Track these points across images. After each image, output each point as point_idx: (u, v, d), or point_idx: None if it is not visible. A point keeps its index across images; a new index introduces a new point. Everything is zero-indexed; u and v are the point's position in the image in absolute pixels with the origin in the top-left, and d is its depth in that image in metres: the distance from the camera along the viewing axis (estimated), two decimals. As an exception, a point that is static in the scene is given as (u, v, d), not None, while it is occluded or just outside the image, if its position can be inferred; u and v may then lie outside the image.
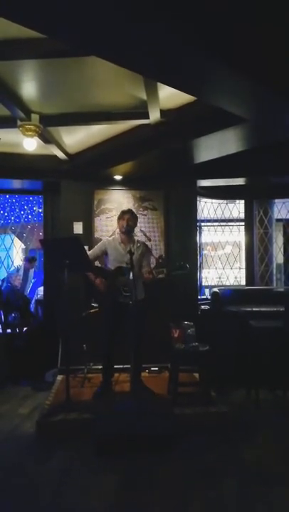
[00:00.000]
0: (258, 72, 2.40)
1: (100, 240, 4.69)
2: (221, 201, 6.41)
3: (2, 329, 5.39)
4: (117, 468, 2.97)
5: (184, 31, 2.04)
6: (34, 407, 4.18)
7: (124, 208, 4.39)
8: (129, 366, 3.74)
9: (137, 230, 5.06)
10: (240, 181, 5.61)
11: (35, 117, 3.67)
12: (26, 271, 7.00)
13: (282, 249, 6.65)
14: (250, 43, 2.34)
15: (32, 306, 6.41)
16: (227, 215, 6.53)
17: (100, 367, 4.18)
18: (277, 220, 6.46)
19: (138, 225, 5.06)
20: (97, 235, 5.12)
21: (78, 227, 5.13)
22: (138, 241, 4.20)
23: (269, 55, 2.43)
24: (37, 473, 2.97)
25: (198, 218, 5.74)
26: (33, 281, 7.26)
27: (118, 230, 4.22)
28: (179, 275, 3.93)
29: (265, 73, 2.44)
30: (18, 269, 7.06)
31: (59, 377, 4.62)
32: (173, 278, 3.97)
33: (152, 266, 4.18)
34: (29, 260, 7.14)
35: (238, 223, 6.49)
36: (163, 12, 1.94)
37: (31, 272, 7.17)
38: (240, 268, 6.63)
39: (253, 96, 2.74)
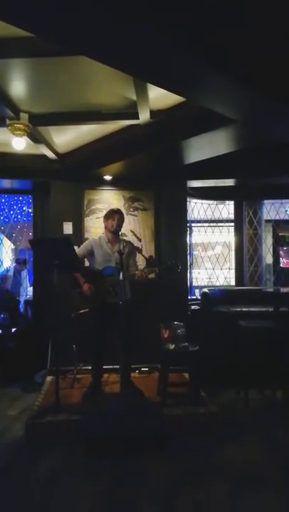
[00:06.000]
0: (246, 75, 2.41)
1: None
2: (211, 202, 6.45)
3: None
4: (107, 469, 2.96)
5: (172, 32, 2.04)
6: (23, 409, 4.15)
7: (114, 207, 4.36)
8: (118, 367, 3.74)
9: (127, 230, 5.07)
10: (230, 182, 5.64)
11: (24, 116, 3.65)
12: (17, 272, 6.95)
13: (271, 250, 6.71)
14: (239, 46, 2.35)
15: (21, 306, 6.37)
16: (217, 216, 6.57)
17: (90, 368, 4.17)
18: (267, 221, 6.51)
19: (128, 225, 5.09)
20: (87, 235, 5.10)
21: (68, 228, 5.11)
22: (124, 240, 4.18)
23: (257, 57, 2.45)
24: (26, 474, 2.95)
25: (188, 219, 5.76)
26: (28, 284, 7.20)
27: (105, 229, 4.18)
28: (169, 274, 3.94)
29: (253, 76, 2.46)
30: (8, 270, 7.02)
31: (48, 378, 4.59)
32: (163, 277, 3.98)
33: (142, 266, 4.18)
34: (20, 262, 7.09)
35: (227, 224, 6.52)
36: (151, 13, 1.94)
37: (23, 273, 7.12)
38: (229, 268, 6.67)
39: (241, 98, 2.75)
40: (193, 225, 6.41)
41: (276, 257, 6.95)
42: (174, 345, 3.97)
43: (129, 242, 4.24)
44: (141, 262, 4.41)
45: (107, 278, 3.89)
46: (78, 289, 3.95)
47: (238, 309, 4.85)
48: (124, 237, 4.48)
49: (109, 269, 3.93)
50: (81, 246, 4.26)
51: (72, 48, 2.50)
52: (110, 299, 3.80)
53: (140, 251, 4.50)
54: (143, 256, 4.29)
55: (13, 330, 5.41)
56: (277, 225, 6.89)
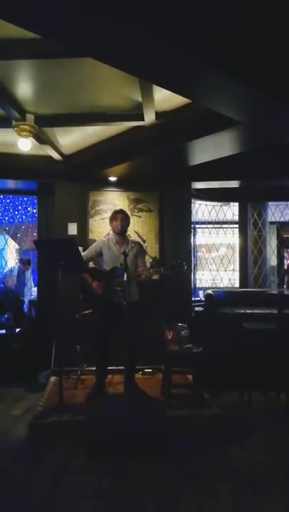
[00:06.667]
0: (247, 75, 2.41)
1: (95, 241, 4.67)
2: (215, 203, 6.44)
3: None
4: (109, 469, 2.97)
5: (172, 32, 2.04)
6: (27, 409, 4.16)
7: (117, 208, 4.38)
8: (122, 368, 3.74)
9: (131, 231, 5.07)
10: (234, 184, 5.63)
11: (30, 117, 3.66)
12: (21, 273, 6.97)
13: (275, 252, 6.69)
14: (242, 46, 2.35)
15: (25, 307, 6.39)
16: (221, 218, 6.57)
17: (94, 368, 4.17)
18: (271, 223, 6.49)
19: (133, 226, 5.09)
20: (91, 236, 5.11)
21: (73, 228, 5.12)
22: (132, 241, 4.19)
23: (262, 58, 2.44)
24: (30, 475, 2.95)
25: (192, 220, 5.75)
26: (32, 285, 7.22)
27: (112, 230, 4.20)
28: (175, 273, 3.94)
29: (253, 76, 2.45)
30: (12, 271, 7.04)
31: (52, 379, 4.60)
32: (168, 277, 3.98)
33: (148, 266, 4.18)
34: (24, 263, 7.11)
35: (232, 225, 6.51)
36: (151, 13, 1.95)
37: (27, 273, 7.14)
38: (234, 270, 6.66)
39: (242, 98, 2.75)
40: (197, 226, 6.41)
41: (280, 259, 6.93)
42: (177, 347, 3.97)
43: (137, 243, 4.24)
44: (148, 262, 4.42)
45: (114, 279, 3.89)
46: (87, 287, 3.96)
47: (242, 311, 4.84)
48: (130, 238, 4.49)
49: (117, 269, 3.94)
50: (90, 247, 4.28)
51: (72, 48, 2.50)
52: (117, 300, 3.80)
53: (144, 251, 4.50)
54: (149, 256, 4.30)
55: (17, 330, 5.43)
56: (282, 226, 6.86)
